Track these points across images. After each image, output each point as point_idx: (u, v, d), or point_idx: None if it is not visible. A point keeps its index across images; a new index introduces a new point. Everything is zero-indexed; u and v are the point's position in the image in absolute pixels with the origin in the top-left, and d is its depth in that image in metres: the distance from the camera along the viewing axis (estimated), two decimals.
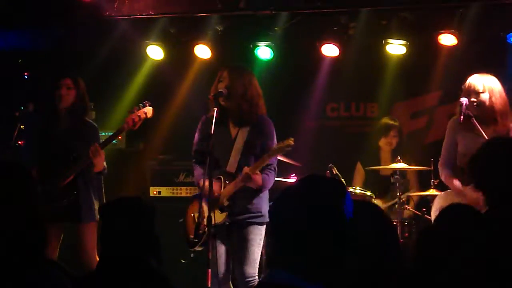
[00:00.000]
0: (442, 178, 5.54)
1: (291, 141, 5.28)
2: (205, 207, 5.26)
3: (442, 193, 5.76)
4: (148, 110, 5.86)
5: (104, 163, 5.88)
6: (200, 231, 5.28)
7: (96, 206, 5.79)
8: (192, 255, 5.40)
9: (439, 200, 5.67)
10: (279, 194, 2.25)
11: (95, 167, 5.81)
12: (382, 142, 7.32)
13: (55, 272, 2.87)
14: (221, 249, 5.40)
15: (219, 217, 5.30)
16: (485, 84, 5.35)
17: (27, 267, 2.73)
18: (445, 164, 5.50)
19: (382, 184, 7.11)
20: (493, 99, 5.34)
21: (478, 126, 5.29)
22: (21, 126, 6.14)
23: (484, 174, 3.58)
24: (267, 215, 5.28)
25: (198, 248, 5.34)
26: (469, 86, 5.39)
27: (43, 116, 6.06)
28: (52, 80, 5.99)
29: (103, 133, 6.15)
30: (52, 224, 5.60)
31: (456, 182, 5.33)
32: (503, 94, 5.39)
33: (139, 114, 5.83)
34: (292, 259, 2.11)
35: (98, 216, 5.33)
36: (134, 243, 3.30)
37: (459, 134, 5.42)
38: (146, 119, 5.89)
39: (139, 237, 3.33)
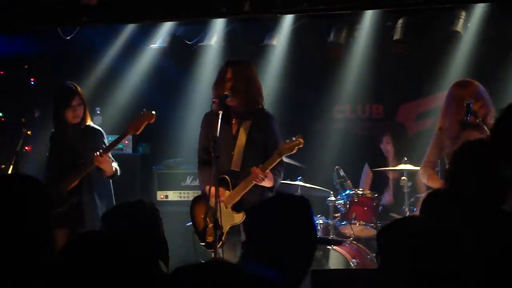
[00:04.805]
0: (425, 179, 5.68)
1: (300, 139, 5.29)
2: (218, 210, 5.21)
3: (428, 193, 5.77)
4: (151, 116, 5.88)
5: (115, 166, 5.92)
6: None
7: (101, 212, 5.79)
8: (213, 255, 5.34)
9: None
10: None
11: (105, 173, 5.85)
12: (381, 147, 7.30)
13: None
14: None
15: (237, 217, 5.35)
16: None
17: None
18: (428, 164, 5.68)
19: (389, 185, 7.08)
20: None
21: (485, 126, 5.29)
22: (28, 132, 6.15)
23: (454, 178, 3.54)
24: None
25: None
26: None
27: (53, 126, 6.09)
28: (61, 97, 6.00)
29: (110, 138, 6.17)
30: (56, 230, 5.60)
31: (439, 181, 5.46)
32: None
33: (142, 119, 5.85)
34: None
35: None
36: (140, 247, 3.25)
37: (446, 140, 5.56)
38: (150, 123, 5.90)
39: (144, 240, 3.29)
